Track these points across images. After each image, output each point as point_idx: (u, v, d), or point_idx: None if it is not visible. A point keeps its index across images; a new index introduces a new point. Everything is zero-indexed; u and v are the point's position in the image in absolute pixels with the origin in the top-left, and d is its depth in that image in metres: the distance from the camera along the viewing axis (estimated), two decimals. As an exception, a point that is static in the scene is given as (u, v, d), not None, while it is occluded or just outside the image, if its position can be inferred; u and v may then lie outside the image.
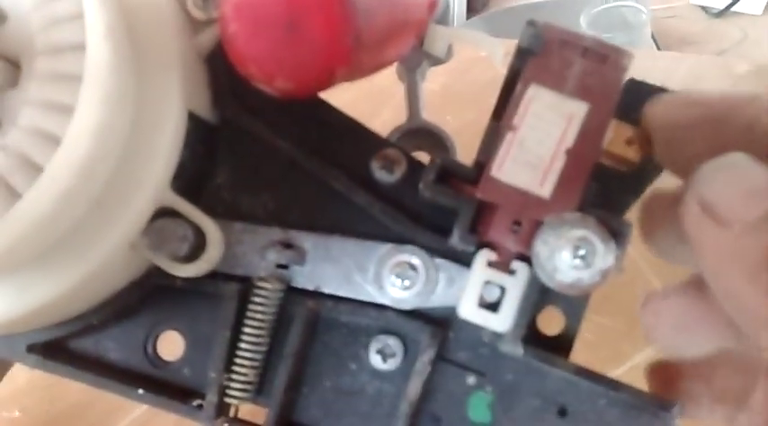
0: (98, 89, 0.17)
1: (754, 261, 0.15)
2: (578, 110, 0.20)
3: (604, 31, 1.05)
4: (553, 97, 0.20)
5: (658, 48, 1.19)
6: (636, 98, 0.22)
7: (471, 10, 1.66)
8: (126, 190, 0.20)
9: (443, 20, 0.34)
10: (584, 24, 1.06)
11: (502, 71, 0.22)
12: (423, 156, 0.28)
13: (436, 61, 0.34)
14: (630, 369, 0.40)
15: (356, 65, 0.19)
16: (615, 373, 0.40)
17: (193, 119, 0.21)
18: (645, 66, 0.62)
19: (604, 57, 0.20)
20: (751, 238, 0.16)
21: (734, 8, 1.54)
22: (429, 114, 0.73)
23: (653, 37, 1.17)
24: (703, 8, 1.62)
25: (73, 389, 0.35)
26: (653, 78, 0.67)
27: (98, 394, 0.24)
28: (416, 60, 0.33)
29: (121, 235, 0.20)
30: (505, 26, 1.41)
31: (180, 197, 0.21)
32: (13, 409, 0.46)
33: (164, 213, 0.21)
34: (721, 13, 1.58)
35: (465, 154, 0.34)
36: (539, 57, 0.20)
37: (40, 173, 0.17)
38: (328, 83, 0.19)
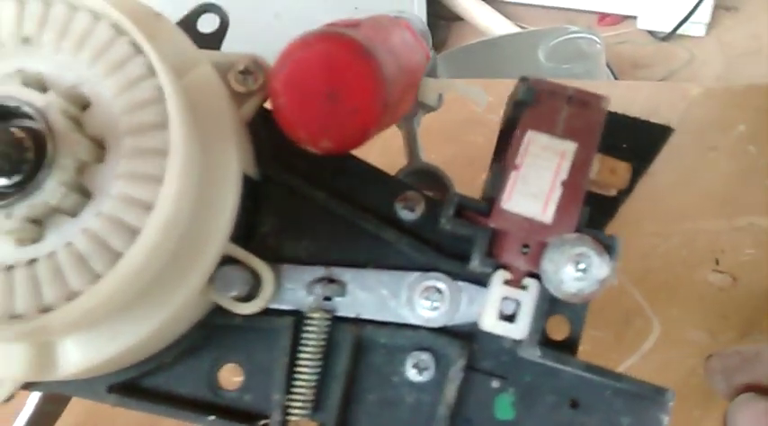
0: (180, 160, 0.21)
1: None
2: (569, 148, 0.24)
3: (563, 62, 1.10)
4: (547, 139, 0.24)
5: (614, 74, 1.25)
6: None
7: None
8: (197, 244, 0.23)
9: (432, 73, 0.38)
10: (542, 57, 1.12)
11: (478, 111, 0.26)
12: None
13: (429, 109, 0.38)
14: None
15: (383, 124, 0.23)
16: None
17: (243, 179, 0.25)
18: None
19: (586, 102, 0.24)
20: None
21: (679, 31, 1.63)
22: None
23: (608, 64, 1.24)
24: (651, 32, 1.71)
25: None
26: (614, 106, 0.73)
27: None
28: (413, 110, 0.37)
29: (194, 282, 0.23)
30: (463, 64, 1.47)
31: (236, 245, 0.25)
32: None
33: (224, 261, 0.24)
34: (668, 37, 1.67)
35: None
36: (532, 107, 0.24)
37: (134, 233, 0.21)
38: (362, 141, 0.23)
